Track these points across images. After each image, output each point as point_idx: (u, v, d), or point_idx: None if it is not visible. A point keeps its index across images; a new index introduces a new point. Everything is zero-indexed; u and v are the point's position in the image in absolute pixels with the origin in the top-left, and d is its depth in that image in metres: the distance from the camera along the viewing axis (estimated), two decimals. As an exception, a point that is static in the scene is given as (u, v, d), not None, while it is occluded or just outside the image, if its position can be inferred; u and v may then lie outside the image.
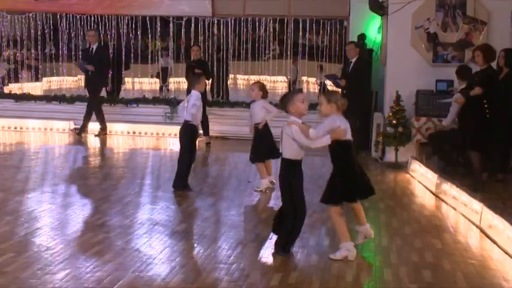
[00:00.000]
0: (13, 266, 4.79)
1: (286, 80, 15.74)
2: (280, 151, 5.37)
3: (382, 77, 10.77)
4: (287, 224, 5.31)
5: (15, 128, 12.85)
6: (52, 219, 6.35)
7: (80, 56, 13.73)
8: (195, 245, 5.63)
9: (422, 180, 8.55)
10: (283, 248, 5.34)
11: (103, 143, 11.87)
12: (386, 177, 9.21)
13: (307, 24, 13.48)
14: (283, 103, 5.34)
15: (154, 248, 5.47)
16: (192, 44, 12.77)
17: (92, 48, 12.14)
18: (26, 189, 7.67)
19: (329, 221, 6.50)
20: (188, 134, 7.77)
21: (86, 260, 5.09)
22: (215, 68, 13.99)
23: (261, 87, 7.96)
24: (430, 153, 9.35)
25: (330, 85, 14.33)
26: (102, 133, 12.16)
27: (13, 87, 16.11)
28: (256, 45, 14.22)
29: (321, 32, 13.61)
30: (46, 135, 12.56)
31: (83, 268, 4.87)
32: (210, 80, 13.48)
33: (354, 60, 10.25)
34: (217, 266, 5.04)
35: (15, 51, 16.15)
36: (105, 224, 6.19)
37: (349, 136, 5.22)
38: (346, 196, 5.27)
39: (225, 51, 14.11)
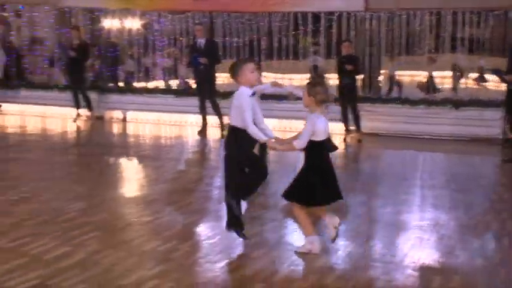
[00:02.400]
0: (177, 253, 5.03)
1: (450, 74, 15.17)
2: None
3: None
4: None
5: (175, 122, 13.54)
6: (211, 210, 6.60)
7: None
8: (349, 242, 5.56)
9: None
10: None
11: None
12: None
13: (466, 17, 12.81)
14: (233, 72, 5.26)
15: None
16: (343, 40, 12.65)
17: (201, 42, 12.26)
18: (186, 181, 8.03)
19: (494, 222, 6.18)
20: None
21: (243, 251, 5.21)
22: (366, 64, 13.73)
23: None
24: None
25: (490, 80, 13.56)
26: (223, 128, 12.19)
27: (172, 83, 17.04)
28: (411, 39, 13.76)
29: (481, 24, 12.85)
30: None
31: (240, 259, 5.00)
32: (362, 76, 13.27)
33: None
34: (372, 265, 4.93)
35: (174, 49, 17.03)
36: (261, 216, 6.30)
37: (323, 136, 5.01)
38: (314, 199, 5.05)
39: (377, 46, 13.81)
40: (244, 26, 14.91)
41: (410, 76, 18.35)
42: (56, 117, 14.03)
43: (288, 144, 5.20)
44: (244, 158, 5.34)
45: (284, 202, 6.81)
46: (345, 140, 11.60)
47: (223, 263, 4.86)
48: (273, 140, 5.23)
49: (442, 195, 7.38)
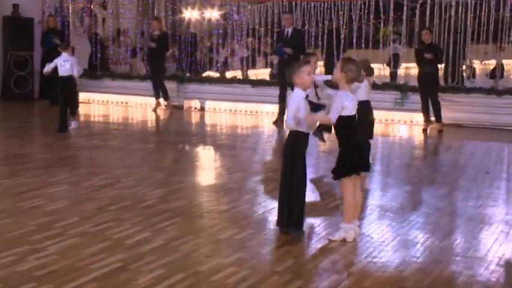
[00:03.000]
0: (254, 241, 5.06)
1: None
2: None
3: None
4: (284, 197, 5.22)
5: (251, 112, 13.64)
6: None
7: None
8: (429, 235, 5.40)
9: None
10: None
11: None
12: None
13: None
14: (289, 74, 5.26)
15: (386, 235, 5.37)
16: (423, 28, 12.31)
17: (288, 31, 12.13)
18: (261, 170, 8.07)
19: None
20: None
21: (319, 241, 5.17)
22: (450, 52, 13.26)
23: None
24: None
25: None
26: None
27: (250, 73, 17.12)
28: (500, 27, 13.17)
29: None
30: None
31: (316, 249, 4.97)
32: (443, 65, 12.85)
33: None
34: (454, 259, 4.78)
35: (252, 39, 17.10)
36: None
37: (352, 112, 5.03)
38: (355, 167, 5.08)
39: (462, 34, 13.30)
40: (324, 15, 14.77)
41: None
42: (137, 107, 14.43)
43: (323, 116, 5.31)
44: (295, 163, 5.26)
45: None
46: (425, 130, 11.30)
47: (298, 252, 4.84)
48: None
49: (529, 189, 7.07)
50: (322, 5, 14.69)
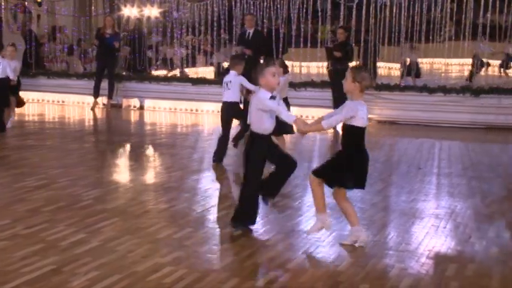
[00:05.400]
0: (192, 240, 5.06)
1: (469, 62, 14.94)
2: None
3: None
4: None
5: (192, 110, 13.59)
6: (225, 198, 6.62)
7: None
8: (365, 230, 5.52)
9: None
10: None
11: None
12: None
13: (490, 2, 12.62)
14: (254, 75, 5.25)
15: (322, 231, 5.46)
16: (338, 26, 12.70)
17: (249, 33, 12.27)
18: (201, 169, 8.07)
19: (510, 211, 6.12)
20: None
21: (257, 239, 5.22)
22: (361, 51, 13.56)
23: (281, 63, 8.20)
24: None
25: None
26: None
27: (189, 72, 17.05)
28: (431, 26, 13.58)
29: (504, 10, 12.63)
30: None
31: (254, 247, 5.01)
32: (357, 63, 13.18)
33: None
34: (387, 253, 4.92)
35: (192, 37, 17.03)
36: (277, 204, 6.30)
37: (365, 123, 4.91)
38: (355, 183, 5.05)
39: (396, 33, 13.66)
40: (263, 13, 14.84)
41: (430, 64, 18.17)
42: (74, 105, 14.15)
43: (315, 125, 5.18)
44: (271, 157, 5.36)
45: (300, 190, 6.85)
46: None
47: (237, 250, 4.88)
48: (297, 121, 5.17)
49: (459, 184, 7.32)
50: (262, 3, 14.77)
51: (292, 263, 4.62)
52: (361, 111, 4.86)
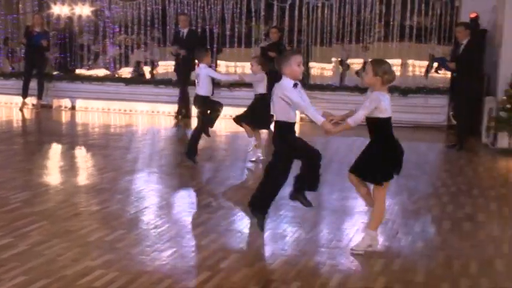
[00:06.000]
0: (124, 242, 5.00)
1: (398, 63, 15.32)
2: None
3: (496, 60, 10.25)
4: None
5: (125, 110, 13.41)
6: (159, 198, 6.57)
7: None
8: (296, 228, 5.62)
9: (537, 169, 8.09)
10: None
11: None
12: (498, 164, 8.82)
13: (416, 5, 13.03)
14: (279, 63, 5.13)
15: (257, 230, 5.52)
16: (271, 27, 12.83)
17: (183, 33, 12.25)
18: (135, 170, 7.98)
19: (435, 207, 6.35)
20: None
21: (191, 239, 5.22)
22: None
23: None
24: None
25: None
26: (183, 117, 12.27)
27: (123, 71, 16.78)
28: (361, 27, 13.90)
29: (429, 12, 13.09)
30: (153, 118, 13.00)
31: (188, 247, 5.01)
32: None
33: (464, 42, 9.79)
34: (319, 250, 5.01)
35: (125, 36, 16.77)
36: (210, 204, 6.32)
37: (389, 113, 4.85)
38: (387, 175, 4.89)
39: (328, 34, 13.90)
40: (197, 13, 14.79)
41: (361, 64, 18.52)
42: (1, 106, 13.70)
43: (342, 125, 5.10)
44: (297, 150, 5.30)
45: (232, 190, 6.88)
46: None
47: (170, 251, 4.86)
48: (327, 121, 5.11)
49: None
50: (196, 3, 14.71)
51: (225, 263, 4.65)
52: (384, 101, 4.77)
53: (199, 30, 14.21)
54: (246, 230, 5.49)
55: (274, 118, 5.31)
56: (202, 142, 8.42)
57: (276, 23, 14.09)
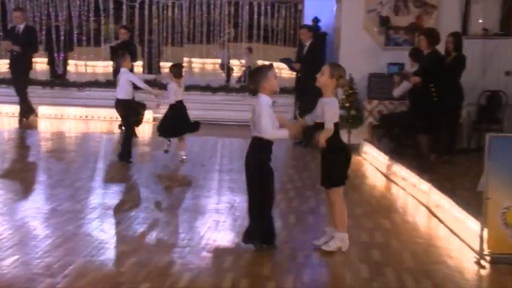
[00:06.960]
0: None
1: (241, 63, 15.65)
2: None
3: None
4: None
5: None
6: (1, 204, 6.23)
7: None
8: (147, 229, 5.60)
9: (373, 162, 8.70)
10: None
11: (53, 126, 11.66)
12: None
13: (262, 8, 13.49)
14: (256, 79, 5.02)
15: (106, 232, 5.43)
16: (120, 26, 12.72)
17: (19, 28, 11.68)
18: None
19: (282, 201, 6.62)
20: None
21: (36, 245, 5.01)
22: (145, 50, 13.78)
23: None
24: (381, 135, 9.51)
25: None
26: (26, 116, 11.78)
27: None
28: (212, 28, 14.10)
29: (275, 15, 13.61)
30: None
31: (32, 254, 4.80)
32: (142, 63, 13.35)
33: (308, 43, 10.30)
34: (170, 250, 5.03)
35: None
36: (56, 209, 6.10)
37: (338, 118, 4.99)
38: (343, 177, 5.09)
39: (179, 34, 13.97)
40: (41, 9, 14.16)
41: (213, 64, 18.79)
42: None
43: (324, 132, 4.93)
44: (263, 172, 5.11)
45: (83, 193, 6.70)
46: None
47: (12, 260, 4.63)
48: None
49: (238, 179, 7.69)
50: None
51: (72, 268, 4.51)
52: (336, 107, 4.93)
53: (44, 27, 13.61)
54: (96, 233, 5.38)
55: (254, 135, 5.05)
56: (52, 143, 8.10)
57: (126, 22, 13.89)
